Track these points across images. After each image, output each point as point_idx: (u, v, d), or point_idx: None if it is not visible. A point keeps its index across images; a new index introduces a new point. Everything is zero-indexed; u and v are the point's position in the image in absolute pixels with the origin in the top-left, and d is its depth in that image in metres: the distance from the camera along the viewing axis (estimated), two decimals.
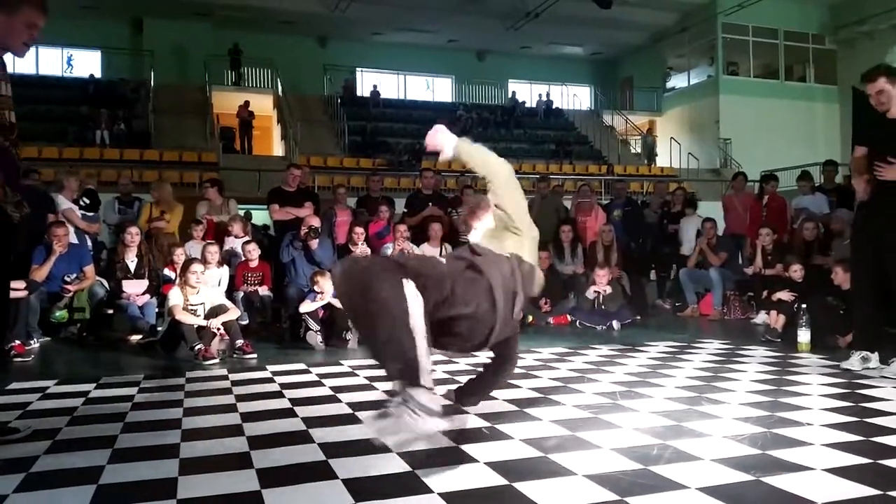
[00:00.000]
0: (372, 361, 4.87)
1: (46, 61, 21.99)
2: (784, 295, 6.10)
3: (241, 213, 8.52)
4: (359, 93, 24.21)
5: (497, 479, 2.27)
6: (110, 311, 6.33)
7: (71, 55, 22.82)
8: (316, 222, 6.88)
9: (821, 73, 23.95)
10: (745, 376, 4.12)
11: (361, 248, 7.05)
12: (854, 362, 4.23)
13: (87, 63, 22.33)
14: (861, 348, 4.26)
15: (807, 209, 8.04)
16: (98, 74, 21.84)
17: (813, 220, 7.53)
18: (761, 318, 7.06)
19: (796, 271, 6.39)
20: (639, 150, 24.51)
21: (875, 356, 4.20)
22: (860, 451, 2.53)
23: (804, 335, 5.16)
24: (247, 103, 20.19)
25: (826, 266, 6.43)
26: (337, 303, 5.90)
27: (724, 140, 22.37)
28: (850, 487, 2.15)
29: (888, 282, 4.07)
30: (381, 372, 4.41)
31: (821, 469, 2.33)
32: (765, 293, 6.83)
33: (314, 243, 6.70)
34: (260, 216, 11.70)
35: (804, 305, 5.34)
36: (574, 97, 26.88)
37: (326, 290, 5.85)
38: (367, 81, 24.79)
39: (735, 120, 22.40)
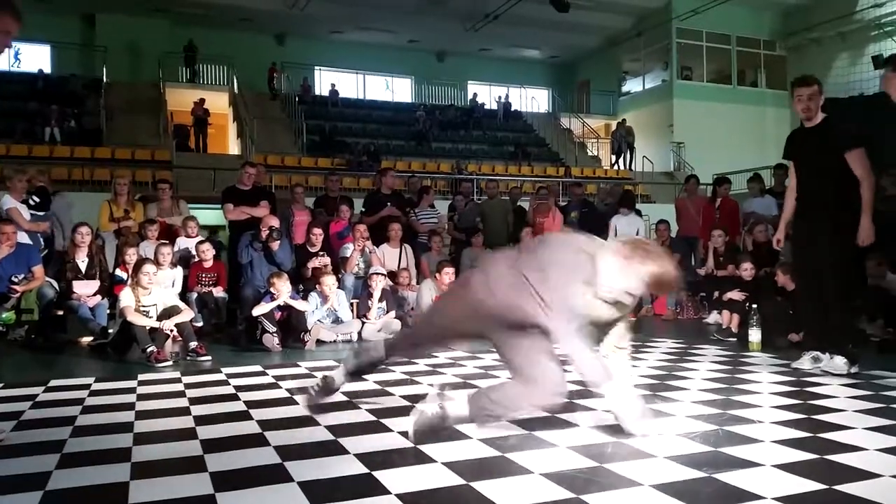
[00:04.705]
0: (330, 363, 4.86)
1: None
2: (735, 294, 6.25)
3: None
4: (317, 91, 24.03)
5: (455, 479, 2.27)
6: (60, 313, 6.16)
7: (18, 49, 22.13)
8: (275, 222, 6.81)
9: (772, 78, 24.54)
10: (697, 375, 4.20)
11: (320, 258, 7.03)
12: (805, 362, 4.33)
13: (35, 58, 21.69)
14: (811, 348, 4.38)
15: (755, 212, 8.23)
16: (47, 70, 21.25)
17: (763, 222, 7.70)
18: (713, 318, 7.22)
19: (746, 270, 6.53)
20: (595, 152, 24.77)
21: (827, 356, 4.31)
22: (808, 447, 2.60)
23: (755, 334, 5.28)
24: (202, 101, 19.84)
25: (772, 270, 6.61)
26: (295, 304, 5.86)
27: (678, 143, 22.77)
28: (798, 482, 2.21)
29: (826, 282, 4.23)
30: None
31: (770, 465, 2.39)
32: (716, 294, 6.98)
33: (276, 244, 6.63)
34: (214, 216, 11.51)
35: (755, 306, 5.47)
36: (532, 100, 27.09)
37: (283, 292, 5.80)
38: (326, 80, 24.61)
39: (688, 124, 22.82)
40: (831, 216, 4.18)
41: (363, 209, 8.47)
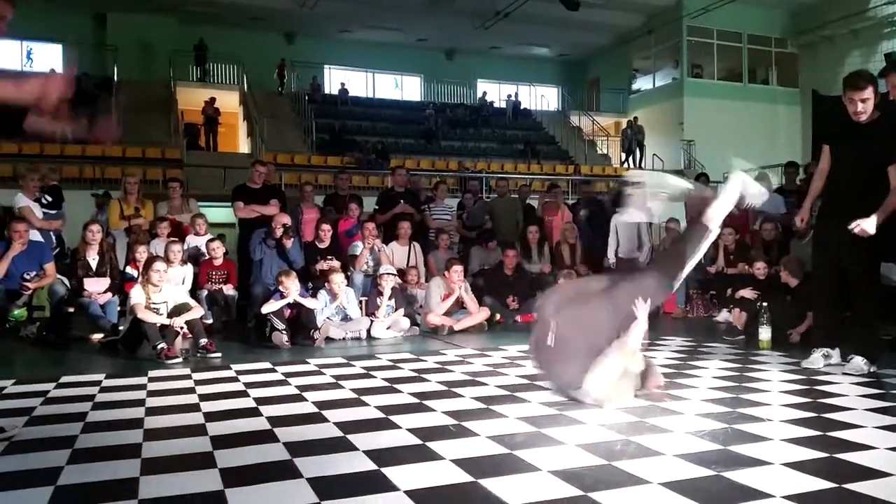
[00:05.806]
0: (339, 360, 4.87)
1: (5, 54, 21.44)
2: (747, 293, 6.21)
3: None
4: (326, 90, 24.08)
5: (463, 476, 2.28)
6: (71, 310, 6.17)
7: (31, 48, 22.27)
8: (287, 220, 6.83)
9: (783, 76, 24.38)
10: (706, 373, 4.18)
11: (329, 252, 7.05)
12: (816, 360, 4.28)
13: (47, 57, 21.82)
14: (822, 345, 4.34)
15: (763, 211, 8.17)
16: (59, 69, 21.36)
17: (772, 221, 7.66)
18: (723, 316, 7.18)
19: (759, 269, 6.50)
20: (605, 150, 24.69)
21: (836, 352, 4.28)
22: (817, 445, 2.59)
23: (765, 333, 5.25)
24: (212, 99, 19.91)
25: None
26: (304, 301, 5.87)
27: (688, 141, 22.67)
28: (807, 481, 2.20)
29: (847, 277, 4.17)
30: (348, 370, 4.40)
31: (779, 463, 2.38)
32: (728, 291, 6.94)
33: (289, 242, 6.64)
34: (225, 214, 11.54)
35: (765, 304, 5.44)
36: (542, 98, 27.04)
37: (292, 290, 5.81)
38: (335, 79, 24.65)
39: (699, 121, 22.70)
40: (866, 214, 3.96)
41: (376, 206, 8.49)
